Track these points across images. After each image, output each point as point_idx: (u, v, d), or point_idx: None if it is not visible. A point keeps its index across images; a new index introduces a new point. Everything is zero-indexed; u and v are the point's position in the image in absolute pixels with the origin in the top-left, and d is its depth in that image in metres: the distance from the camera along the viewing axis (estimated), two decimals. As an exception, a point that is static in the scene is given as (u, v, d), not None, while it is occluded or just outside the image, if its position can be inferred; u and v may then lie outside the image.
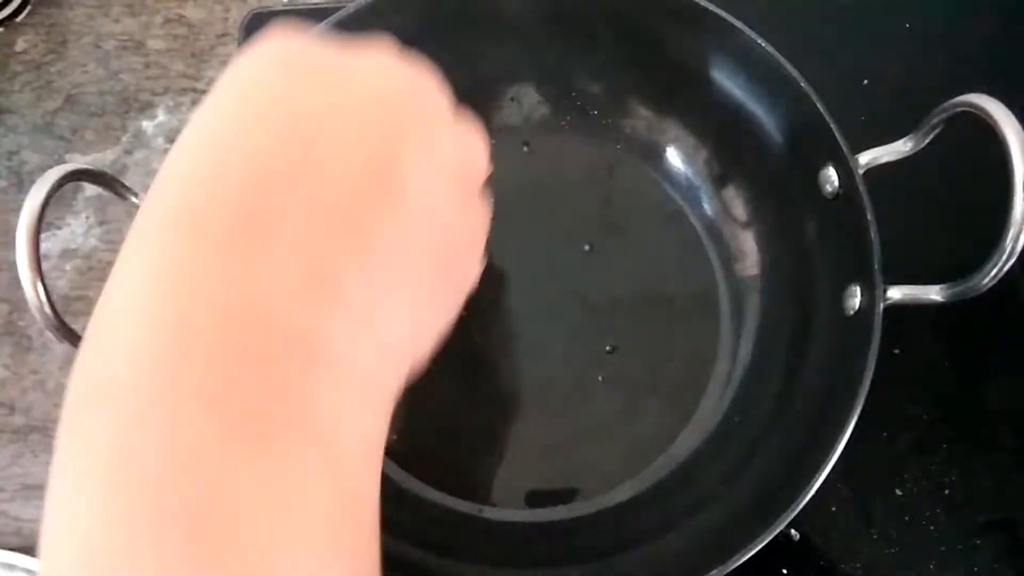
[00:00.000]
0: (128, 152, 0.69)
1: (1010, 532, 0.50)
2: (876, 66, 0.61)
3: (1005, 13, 0.63)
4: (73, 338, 0.37)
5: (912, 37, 0.63)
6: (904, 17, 0.63)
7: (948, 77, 0.60)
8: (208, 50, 0.71)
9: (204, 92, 0.70)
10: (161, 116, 0.69)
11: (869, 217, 0.41)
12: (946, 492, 0.51)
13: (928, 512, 0.51)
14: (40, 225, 0.37)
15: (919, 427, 0.52)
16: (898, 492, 0.51)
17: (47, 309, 0.36)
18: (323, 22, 0.47)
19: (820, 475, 0.39)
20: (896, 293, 0.40)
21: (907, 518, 0.51)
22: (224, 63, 0.71)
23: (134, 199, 0.41)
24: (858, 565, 0.50)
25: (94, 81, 0.70)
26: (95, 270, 0.63)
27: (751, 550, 0.38)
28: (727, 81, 0.50)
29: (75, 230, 0.64)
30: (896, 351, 0.53)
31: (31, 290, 0.36)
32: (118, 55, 0.71)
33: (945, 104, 0.38)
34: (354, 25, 0.47)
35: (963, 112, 0.37)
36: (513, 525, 0.48)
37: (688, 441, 0.49)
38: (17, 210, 0.65)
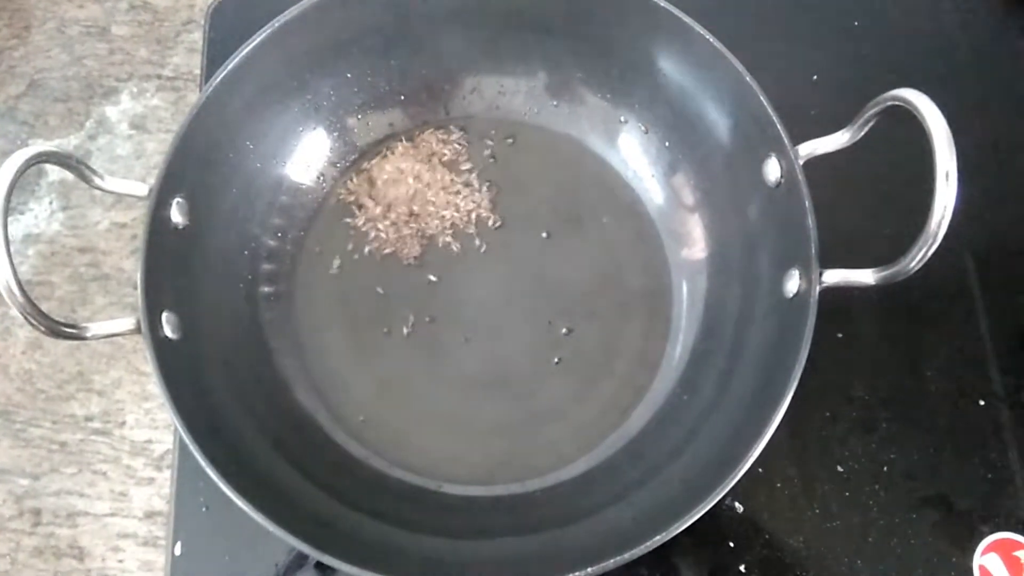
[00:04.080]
0: (92, 138, 0.69)
1: (944, 507, 0.52)
2: (826, 62, 0.63)
3: (946, 14, 0.66)
4: (42, 320, 0.38)
5: (860, 35, 0.65)
6: (853, 16, 0.65)
7: (893, 73, 0.62)
8: (173, 37, 0.71)
9: (169, 79, 0.71)
10: (125, 102, 0.69)
11: (807, 205, 0.43)
12: (885, 469, 0.53)
13: (868, 488, 0.52)
14: (7, 206, 0.37)
15: (860, 407, 0.54)
16: (839, 469, 0.53)
17: (16, 290, 0.36)
18: (287, 11, 0.48)
19: (757, 447, 0.41)
20: (832, 277, 0.42)
21: (848, 494, 0.52)
22: (189, 50, 0.72)
23: (100, 182, 0.42)
24: (801, 538, 0.51)
25: (58, 67, 0.70)
26: (58, 255, 0.63)
27: (693, 517, 0.40)
28: (677, 74, 0.52)
29: (38, 215, 0.64)
30: (839, 335, 0.55)
31: (2, 271, 0.36)
32: (82, 41, 0.71)
33: (878, 98, 0.40)
34: (319, 16, 0.48)
35: (895, 105, 0.39)
36: (472, 500, 0.49)
37: (639, 419, 0.51)
38: (-20, 194, 0.65)
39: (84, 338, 0.40)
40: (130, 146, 0.68)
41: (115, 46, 0.71)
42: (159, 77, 0.71)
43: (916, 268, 0.38)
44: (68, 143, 0.69)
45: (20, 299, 0.36)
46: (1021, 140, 0.62)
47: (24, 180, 0.68)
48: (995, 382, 0.55)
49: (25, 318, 0.37)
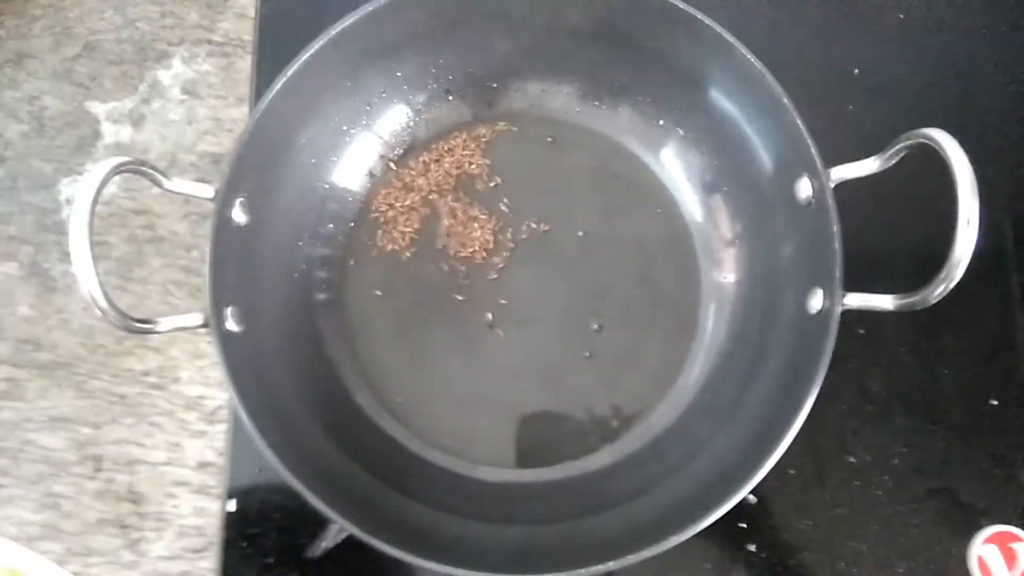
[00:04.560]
0: (145, 101, 0.70)
1: (949, 499, 0.55)
2: (862, 89, 0.63)
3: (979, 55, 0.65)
4: (120, 320, 0.41)
5: (898, 66, 0.64)
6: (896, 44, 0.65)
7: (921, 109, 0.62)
8: (222, 2, 0.72)
9: (219, 44, 0.72)
10: (177, 67, 0.71)
11: (835, 228, 0.44)
12: (895, 461, 0.56)
13: (876, 479, 0.55)
14: (92, 219, 0.40)
15: (875, 401, 0.57)
16: (851, 459, 0.56)
17: (104, 304, 0.39)
18: (344, 18, 0.49)
19: (776, 452, 0.43)
20: (854, 300, 0.44)
21: (857, 483, 0.55)
22: (239, 16, 0.72)
23: (168, 184, 0.44)
24: (809, 522, 0.55)
25: (112, 28, 0.71)
26: (115, 216, 0.65)
27: (714, 516, 0.43)
28: (720, 90, 0.53)
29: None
30: (861, 331, 0.57)
31: (88, 286, 0.40)
32: (134, 3, 0.72)
33: (907, 133, 0.41)
34: (376, 21, 0.49)
35: (922, 143, 0.40)
36: (503, 485, 0.53)
37: (663, 414, 0.54)
38: (40, 155, 0.68)
39: (156, 332, 0.43)
40: (182, 111, 0.70)
41: (166, 9, 0.72)
42: (209, 42, 0.72)
43: (935, 301, 0.40)
44: (123, 106, 0.70)
45: (106, 308, 0.39)
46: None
47: (81, 142, 0.70)
48: (1007, 383, 0.57)
49: (114, 326, 0.40)
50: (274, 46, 0.64)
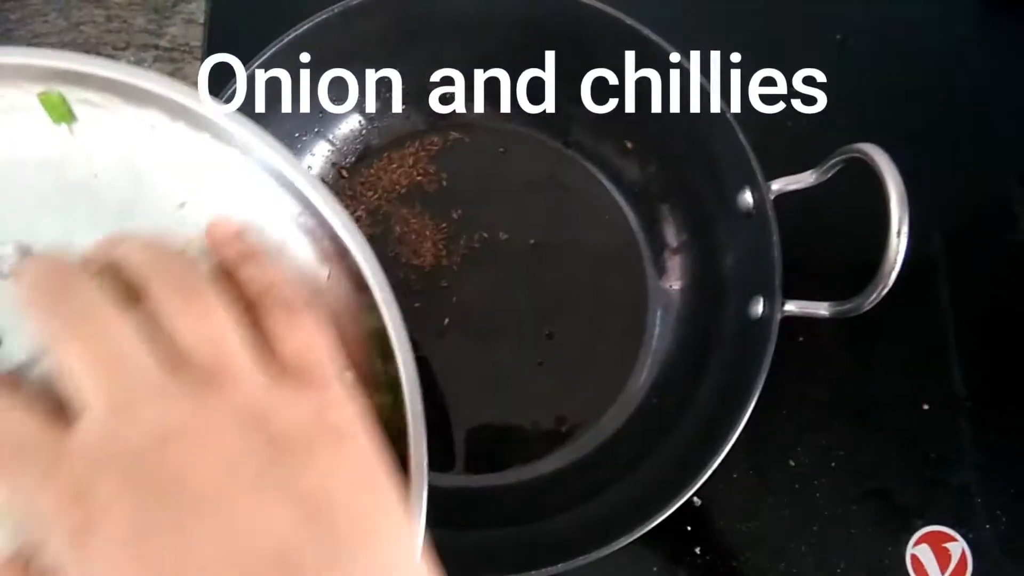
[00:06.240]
0: (91, 107, 0.69)
1: (885, 500, 0.57)
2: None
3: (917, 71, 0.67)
4: None
5: (837, 84, 0.65)
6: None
7: (865, 121, 0.63)
8: (170, 7, 0.71)
9: (166, 50, 0.71)
10: (123, 72, 0.70)
11: (774, 238, 0.46)
12: (833, 465, 0.57)
13: (815, 481, 0.57)
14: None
15: (815, 407, 0.58)
16: (792, 463, 0.57)
17: None
18: (296, 26, 0.50)
19: (720, 454, 0.45)
20: (792, 307, 0.46)
21: (798, 486, 0.57)
22: (187, 21, 0.72)
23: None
24: (752, 524, 0.56)
25: (55, 32, 0.70)
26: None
27: (660, 516, 0.44)
28: (666, 104, 0.53)
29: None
30: (800, 339, 0.59)
31: None
32: (79, 6, 0.71)
33: (842, 148, 0.43)
34: (328, 29, 0.49)
35: (856, 157, 0.42)
36: (453, 491, 0.53)
37: (612, 419, 0.55)
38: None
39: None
40: (128, 117, 0.69)
41: (112, 13, 0.71)
42: (156, 48, 0.71)
43: (868, 308, 0.42)
44: (66, 111, 0.69)
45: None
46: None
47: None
48: (940, 389, 0.59)
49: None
50: (224, 52, 0.63)
